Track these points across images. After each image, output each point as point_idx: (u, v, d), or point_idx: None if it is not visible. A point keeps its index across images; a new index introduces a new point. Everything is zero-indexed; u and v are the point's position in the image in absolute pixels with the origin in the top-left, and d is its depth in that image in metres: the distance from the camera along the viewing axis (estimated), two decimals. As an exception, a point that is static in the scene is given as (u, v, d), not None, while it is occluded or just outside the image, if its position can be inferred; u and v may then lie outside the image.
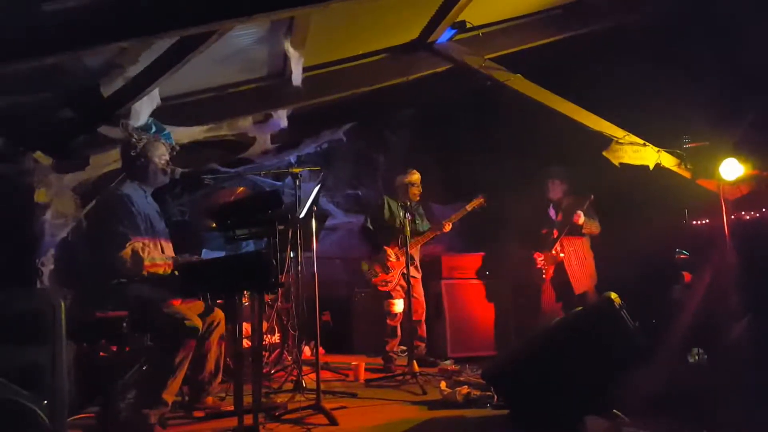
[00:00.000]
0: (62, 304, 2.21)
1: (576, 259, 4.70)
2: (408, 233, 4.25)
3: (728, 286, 4.05)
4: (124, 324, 2.83)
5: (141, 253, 2.93)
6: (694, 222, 4.75)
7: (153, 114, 3.39)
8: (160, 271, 2.99)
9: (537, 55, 4.49)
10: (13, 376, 2.10)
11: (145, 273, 2.94)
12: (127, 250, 2.90)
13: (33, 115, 3.16)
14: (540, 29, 4.39)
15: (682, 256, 4.65)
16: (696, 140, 4.49)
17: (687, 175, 4.53)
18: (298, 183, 3.89)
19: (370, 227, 4.79)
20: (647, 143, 4.47)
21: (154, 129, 3.42)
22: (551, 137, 4.60)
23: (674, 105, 4.22)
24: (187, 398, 3.33)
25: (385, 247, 4.68)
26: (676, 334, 3.98)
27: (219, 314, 3.27)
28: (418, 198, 4.73)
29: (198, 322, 2.99)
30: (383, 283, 4.65)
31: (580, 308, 3.22)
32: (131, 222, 2.98)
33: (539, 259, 4.72)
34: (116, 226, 2.94)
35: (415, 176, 4.74)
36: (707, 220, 4.62)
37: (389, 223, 4.73)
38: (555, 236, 4.70)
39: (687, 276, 4.50)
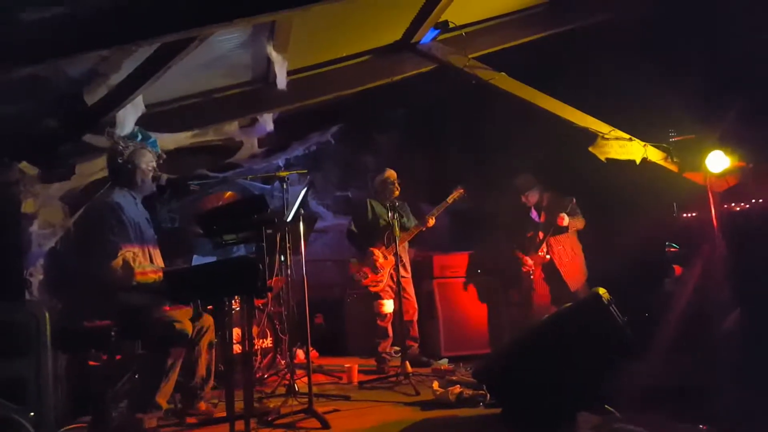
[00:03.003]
0: (46, 315, 2.20)
1: (566, 257, 4.74)
2: (397, 232, 4.25)
3: (719, 278, 4.08)
4: (113, 333, 2.82)
5: (132, 263, 2.92)
6: (684, 215, 4.77)
7: (138, 121, 3.38)
8: (151, 280, 2.98)
9: (521, 53, 4.51)
10: (-1, 389, 2.10)
11: (135, 282, 2.93)
12: (118, 260, 2.89)
13: (17, 125, 3.15)
14: (523, 27, 4.41)
15: (672, 249, 4.68)
16: (682, 134, 4.51)
17: (674, 168, 4.55)
18: (285, 186, 3.89)
19: (354, 230, 4.80)
20: (633, 138, 4.49)
21: (140, 137, 3.42)
22: (537, 134, 4.61)
23: (659, 99, 4.24)
24: (179, 405, 3.33)
25: (370, 249, 4.68)
26: (668, 327, 4.00)
27: (208, 319, 3.26)
28: (397, 194, 4.73)
29: (188, 326, 2.99)
30: (374, 284, 4.65)
31: (569, 305, 3.23)
32: (121, 230, 2.97)
33: (527, 264, 4.75)
34: (107, 235, 2.93)
35: (391, 173, 4.76)
36: (695, 213, 4.65)
37: (373, 225, 4.74)
38: (541, 238, 4.73)
39: (678, 269, 4.53)
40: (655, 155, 4.53)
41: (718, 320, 3.82)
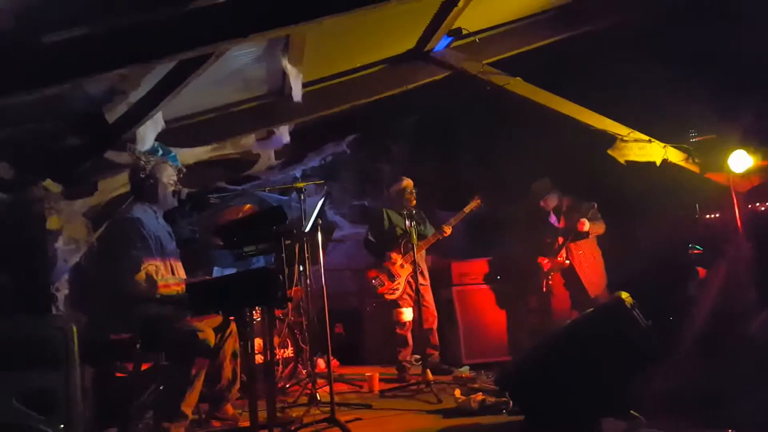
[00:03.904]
0: (74, 328, 2.24)
1: (586, 262, 4.70)
2: (415, 240, 4.25)
3: (744, 280, 4.00)
4: (138, 345, 2.87)
5: (155, 276, 2.97)
6: (707, 216, 4.70)
7: (158, 137, 3.44)
8: (174, 292, 3.03)
9: (536, 57, 4.49)
10: (29, 402, 2.14)
11: (158, 295, 2.98)
12: (142, 274, 2.94)
13: (40, 143, 3.23)
14: (537, 31, 4.40)
15: (695, 252, 4.61)
16: (702, 134, 4.45)
17: (695, 169, 4.48)
18: (302, 197, 3.93)
19: (372, 239, 4.81)
20: (653, 139, 4.43)
21: (161, 152, 3.49)
22: (553, 139, 4.58)
23: (678, 99, 4.19)
24: (204, 416, 3.36)
25: (388, 253, 4.69)
26: (693, 330, 3.93)
27: (232, 324, 3.30)
28: (414, 203, 4.74)
29: (211, 336, 3.03)
30: (390, 292, 4.65)
31: (591, 310, 3.20)
32: (143, 245, 3.02)
33: (546, 266, 4.72)
34: (129, 250, 2.98)
35: (407, 182, 4.77)
36: (719, 214, 4.57)
37: (390, 234, 4.75)
38: (560, 243, 4.69)
39: (702, 271, 4.45)
40: (675, 156, 4.46)
41: (744, 323, 3.75)
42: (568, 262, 4.68)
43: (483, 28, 4.21)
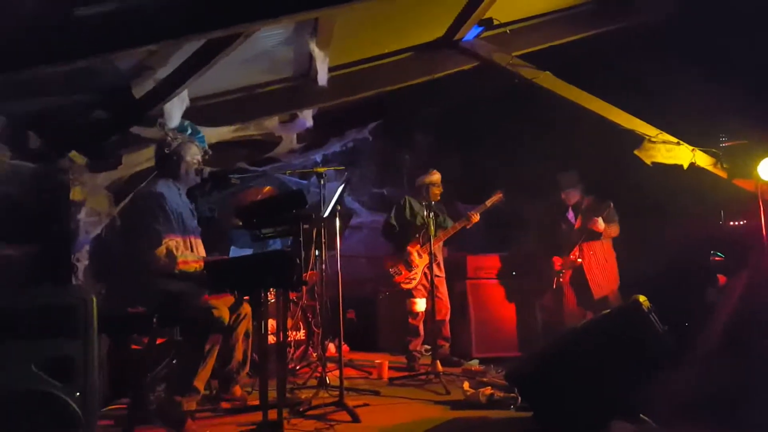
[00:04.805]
0: (94, 299, 2.28)
1: (596, 264, 4.64)
2: (432, 231, 4.24)
3: (765, 289, 3.92)
4: (155, 319, 2.91)
5: (175, 252, 3.00)
6: (731, 223, 4.60)
7: (183, 115, 3.46)
8: (192, 269, 3.06)
9: (566, 52, 4.41)
10: (48, 369, 2.19)
11: (177, 270, 3.01)
12: (162, 248, 2.98)
13: (68, 116, 3.27)
14: (569, 26, 4.31)
15: (716, 258, 4.53)
16: (733, 139, 4.34)
17: (723, 174, 4.38)
18: (322, 182, 3.94)
19: (393, 223, 4.79)
20: (681, 142, 4.34)
21: (189, 131, 3.52)
22: (580, 137, 4.51)
23: (710, 102, 4.09)
24: (215, 392, 3.42)
25: (407, 248, 4.68)
26: (709, 337, 3.87)
27: (246, 307, 3.33)
28: (438, 198, 4.72)
29: (225, 313, 3.07)
30: (407, 281, 4.65)
31: (608, 311, 3.17)
32: (165, 220, 3.05)
33: (558, 263, 4.68)
34: (151, 224, 3.02)
35: (436, 176, 4.75)
36: (744, 221, 4.48)
37: (410, 223, 4.73)
38: (573, 241, 4.65)
39: (722, 278, 4.38)
40: (703, 160, 4.36)
41: (763, 332, 3.68)
42: (580, 260, 4.64)
43: (515, 19, 4.14)
